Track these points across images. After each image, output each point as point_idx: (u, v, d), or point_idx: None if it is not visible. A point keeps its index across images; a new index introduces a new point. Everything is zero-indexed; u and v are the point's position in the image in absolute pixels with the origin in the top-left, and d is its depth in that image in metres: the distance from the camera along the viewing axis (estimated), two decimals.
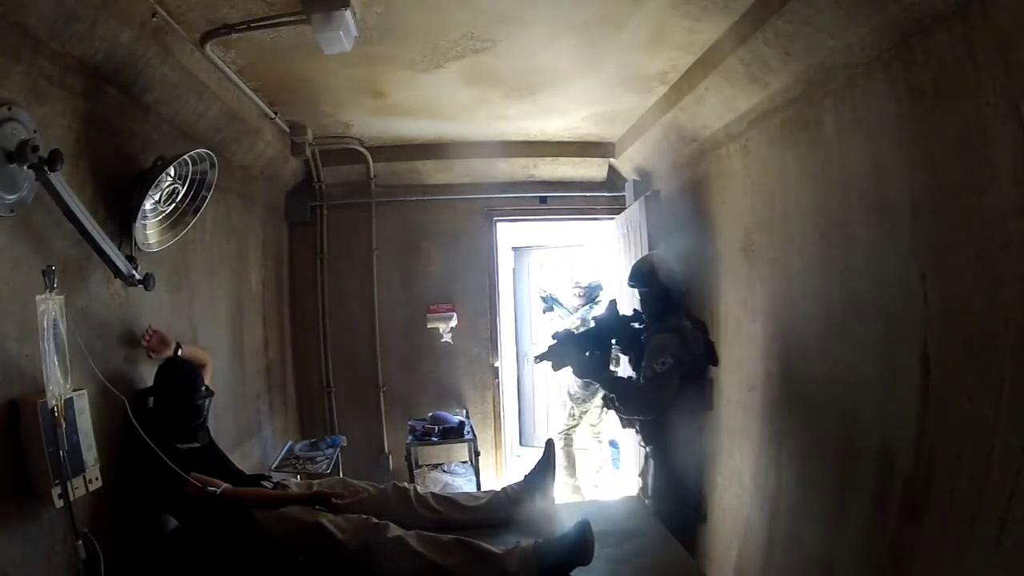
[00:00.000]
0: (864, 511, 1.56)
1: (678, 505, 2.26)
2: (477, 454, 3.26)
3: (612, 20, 1.93)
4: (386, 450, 3.77)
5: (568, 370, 2.32)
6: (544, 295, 4.37)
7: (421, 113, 2.91)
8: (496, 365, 3.92)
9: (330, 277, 3.73)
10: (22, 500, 1.34)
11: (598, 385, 3.69)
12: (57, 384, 1.35)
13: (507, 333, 4.76)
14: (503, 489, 2.02)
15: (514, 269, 5.40)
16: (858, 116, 1.59)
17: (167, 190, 1.89)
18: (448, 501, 1.97)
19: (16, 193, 1.34)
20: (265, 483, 1.99)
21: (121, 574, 1.61)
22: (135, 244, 1.75)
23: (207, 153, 1.90)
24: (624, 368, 2.68)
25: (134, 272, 1.71)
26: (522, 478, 2.04)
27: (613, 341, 2.43)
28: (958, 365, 1.27)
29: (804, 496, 1.89)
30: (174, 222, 1.96)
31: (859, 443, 1.61)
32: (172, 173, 1.86)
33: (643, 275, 2.38)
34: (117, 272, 1.67)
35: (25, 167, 1.32)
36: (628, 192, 3.48)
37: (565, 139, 3.49)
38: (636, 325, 2.45)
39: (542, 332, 4.67)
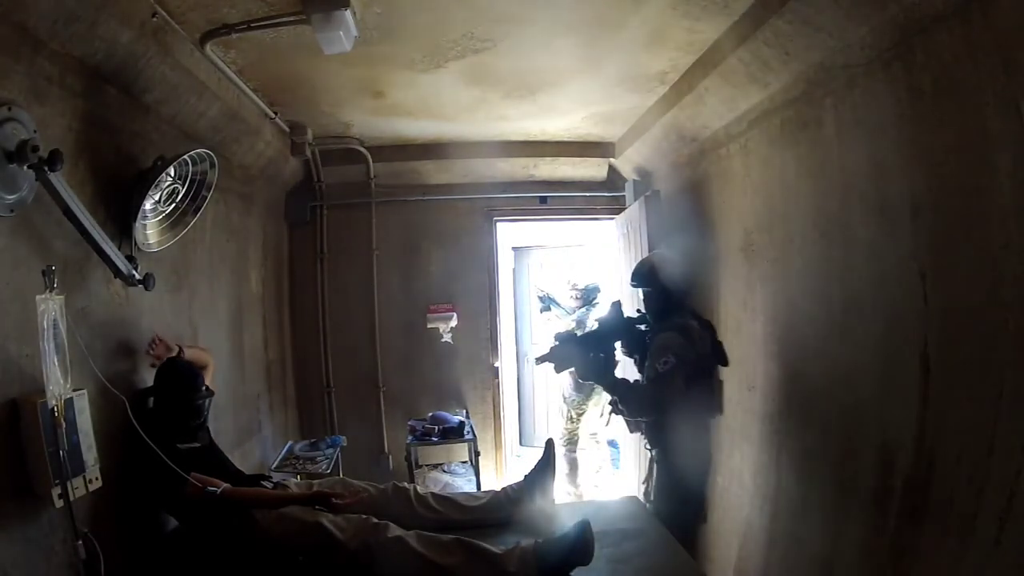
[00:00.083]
0: (864, 511, 1.56)
1: (678, 505, 2.26)
2: (477, 454, 3.26)
3: (612, 20, 1.93)
4: (386, 450, 3.77)
5: (564, 372, 2.30)
6: (541, 295, 4.36)
7: (421, 113, 2.91)
8: (496, 365, 3.92)
9: (330, 277, 3.73)
10: (22, 500, 1.34)
11: (592, 387, 3.71)
12: (57, 384, 1.35)
13: (507, 333, 4.76)
14: (503, 489, 2.02)
15: (514, 269, 5.40)
16: (858, 116, 1.59)
17: (167, 190, 1.89)
18: (448, 501, 1.97)
19: (16, 193, 1.34)
20: (265, 483, 1.99)
21: (121, 574, 1.61)
22: (135, 244, 1.75)
23: (207, 153, 1.90)
24: (630, 371, 2.67)
25: (134, 272, 1.71)
26: (522, 478, 2.04)
27: (618, 344, 2.43)
28: (958, 365, 1.27)
29: (804, 496, 1.89)
30: (174, 222, 1.96)
31: (859, 443, 1.61)
32: (172, 173, 1.86)
33: (643, 275, 2.38)
34: (117, 272, 1.67)
35: (25, 167, 1.32)
36: (628, 192, 3.47)
37: (565, 139, 3.48)
38: (642, 327, 2.44)
39: (542, 332, 4.67)
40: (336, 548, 1.64)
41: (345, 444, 3.28)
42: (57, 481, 1.36)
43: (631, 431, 2.50)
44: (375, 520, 1.70)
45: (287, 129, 2.93)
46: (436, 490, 2.70)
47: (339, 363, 3.74)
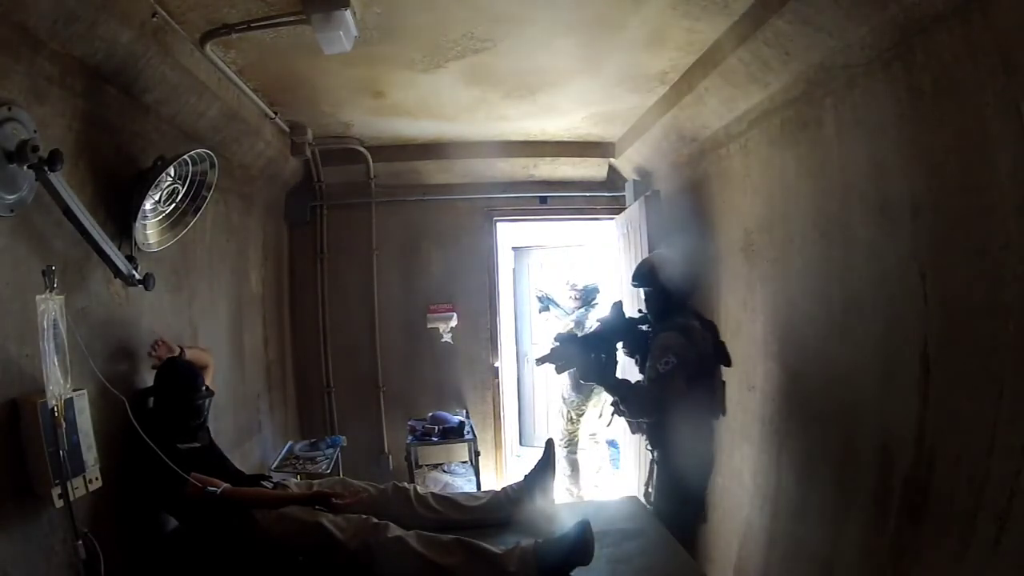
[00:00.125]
0: (864, 511, 1.56)
1: (679, 505, 2.26)
2: (477, 454, 3.26)
3: (612, 20, 1.93)
4: (386, 450, 3.77)
5: (562, 373, 2.30)
6: (540, 295, 4.36)
7: (421, 113, 2.91)
8: (496, 365, 3.92)
9: (330, 277, 3.73)
10: (22, 500, 1.34)
11: (592, 388, 3.71)
12: (57, 384, 1.35)
13: (507, 333, 4.76)
14: (503, 489, 2.02)
15: (514, 269, 5.40)
16: (858, 116, 1.59)
17: (167, 190, 1.89)
18: (448, 501, 1.97)
19: (16, 193, 1.34)
20: (265, 483, 1.99)
21: (121, 574, 1.61)
22: (135, 244, 1.75)
23: (207, 153, 1.90)
24: (631, 371, 2.67)
25: (134, 272, 1.71)
26: (522, 478, 2.04)
27: (620, 344, 2.42)
28: (958, 365, 1.27)
29: (804, 496, 1.89)
30: (174, 222, 1.96)
31: (859, 443, 1.61)
32: (172, 173, 1.86)
33: (644, 275, 2.38)
34: (117, 272, 1.67)
35: (25, 167, 1.32)
36: (628, 192, 3.47)
37: (565, 139, 3.49)
38: (644, 328, 2.44)
39: (542, 332, 4.67)
40: (336, 548, 1.64)
41: (345, 444, 3.28)
42: (57, 481, 1.36)
43: (633, 432, 2.50)
44: (375, 520, 1.70)
45: (287, 129, 2.93)
46: (436, 490, 2.70)
47: (339, 363, 3.74)
